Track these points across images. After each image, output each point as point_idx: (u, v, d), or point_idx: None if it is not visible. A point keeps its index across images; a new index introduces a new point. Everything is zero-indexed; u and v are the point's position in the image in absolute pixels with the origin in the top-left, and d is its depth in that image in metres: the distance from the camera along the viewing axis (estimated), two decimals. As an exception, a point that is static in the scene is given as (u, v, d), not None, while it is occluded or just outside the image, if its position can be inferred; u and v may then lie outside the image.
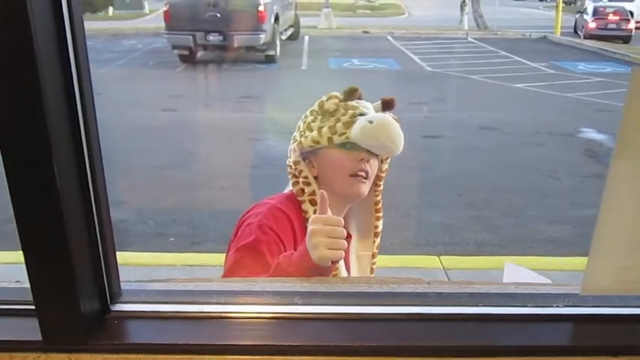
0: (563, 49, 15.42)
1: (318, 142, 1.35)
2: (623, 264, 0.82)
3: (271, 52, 12.36)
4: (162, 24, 12.28)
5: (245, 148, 6.52)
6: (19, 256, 0.74)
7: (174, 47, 12.24)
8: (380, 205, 1.45)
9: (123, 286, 0.87)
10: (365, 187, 1.35)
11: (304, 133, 1.38)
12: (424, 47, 14.79)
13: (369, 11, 25.35)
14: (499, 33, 17.82)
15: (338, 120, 1.34)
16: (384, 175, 1.43)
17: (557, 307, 0.88)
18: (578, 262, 3.44)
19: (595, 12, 17.09)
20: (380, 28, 18.64)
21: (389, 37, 16.93)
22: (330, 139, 1.33)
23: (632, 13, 16.93)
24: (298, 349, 0.80)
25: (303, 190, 1.36)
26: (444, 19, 19.83)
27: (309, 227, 1.12)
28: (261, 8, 11.82)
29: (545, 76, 11.33)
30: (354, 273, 1.42)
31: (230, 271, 1.23)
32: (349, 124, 1.33)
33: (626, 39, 16.36)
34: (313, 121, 1.37)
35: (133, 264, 3.56)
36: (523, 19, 21.74)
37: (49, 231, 0.72)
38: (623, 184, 0.78)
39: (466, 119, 7.99)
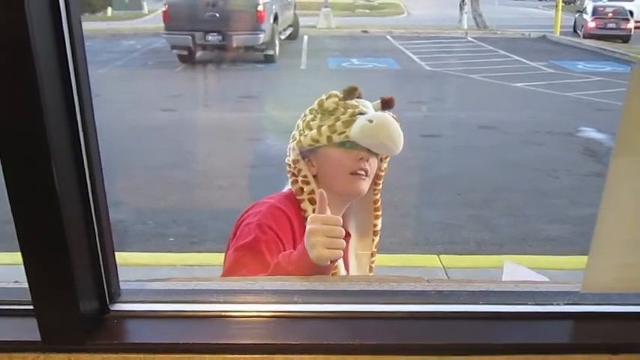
0: (563, 49, 15.41)
1: (317, 141, 1.34)
2: (623, 262, 0.82)
3: (270, 52, 12.36)
4: (161, 24, 12.26)
5: (244, 147, 6.51)
6: (17, 257, 0.74)
7: (174, 47, 12.23)
8: (379, 203, 1.45)
9: (122, 285, 0.87)
10: (364, 185, 1.34)
11: (303, 131, 1.37)
12: (423, 46, 14.78)
13: (368, 11, 25.35)
14: (498, 32, 17.83)
15: (337, 119, 1.33)
16: (383, 174, 1.43)
17: (558, 304, 0.88)
18: (578, 260, 3.44)
19: (594, 11, 17.10)
20: (379, 27, 18.63)
21: (388, 37, 16.91)
22: (329, 138, 1.33)
23: (631, 13, 16.95)
24: (298, 347, 0.80)
25: (302, 189, 1.35)
26: (443, 18, 19.83)
27: (308, 226, 1.12)
28: (260, 8, 11.81)
29: (545, 76, 11.33)
30: (353, 272, 1.42)
31: (229, 271, 1.23)
32: (349, 123, 1.32)
33: (625, 38, 16.38)
34: (313, 119, 1.37)
35: (132, 264, 3.55)
36: (522, 19, 21.75)
37: (47, 231, 0.72)
38: (623, 182, 0.78)
39: (465, 118, 7.98)
